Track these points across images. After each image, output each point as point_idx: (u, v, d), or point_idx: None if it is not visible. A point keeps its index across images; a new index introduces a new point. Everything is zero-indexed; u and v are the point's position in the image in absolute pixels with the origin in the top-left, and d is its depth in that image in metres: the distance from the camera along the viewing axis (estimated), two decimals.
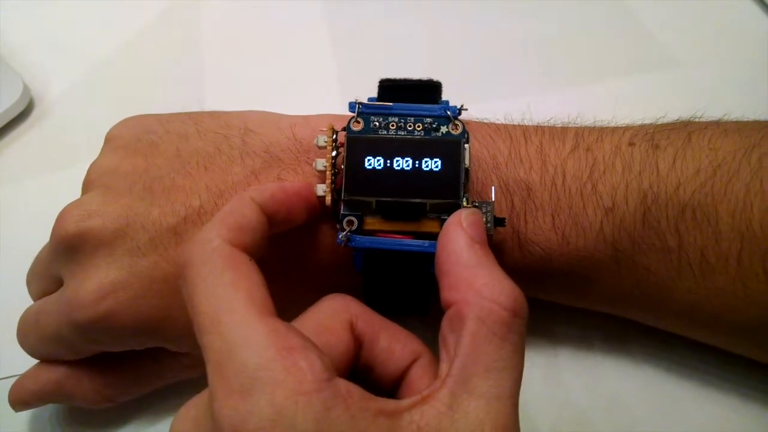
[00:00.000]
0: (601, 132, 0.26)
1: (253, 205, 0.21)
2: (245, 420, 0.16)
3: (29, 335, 0.27)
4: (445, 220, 0.22)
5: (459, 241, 0.20)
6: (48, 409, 0.29)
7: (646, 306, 0.26)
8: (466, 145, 0.23)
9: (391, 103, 0.24)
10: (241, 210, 0.21)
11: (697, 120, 0.26)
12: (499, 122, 0.28)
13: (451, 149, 0.23)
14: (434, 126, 0.24)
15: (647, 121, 0.27)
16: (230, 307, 0.18)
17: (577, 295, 0.27)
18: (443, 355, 0.19)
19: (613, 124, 0.27)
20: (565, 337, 0.29)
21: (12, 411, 0.27)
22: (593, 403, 0.27)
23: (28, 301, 0.28)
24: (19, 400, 0.27)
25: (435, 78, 0.25)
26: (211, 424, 0.17)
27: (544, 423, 0.27)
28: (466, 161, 0.23)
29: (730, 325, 0.24)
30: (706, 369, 0.27)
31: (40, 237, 0.28)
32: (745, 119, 0.26)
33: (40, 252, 0.28)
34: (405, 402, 0.18)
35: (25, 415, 0.29)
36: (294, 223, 0.24)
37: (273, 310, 0.19)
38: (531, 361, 0.28)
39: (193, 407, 0.18)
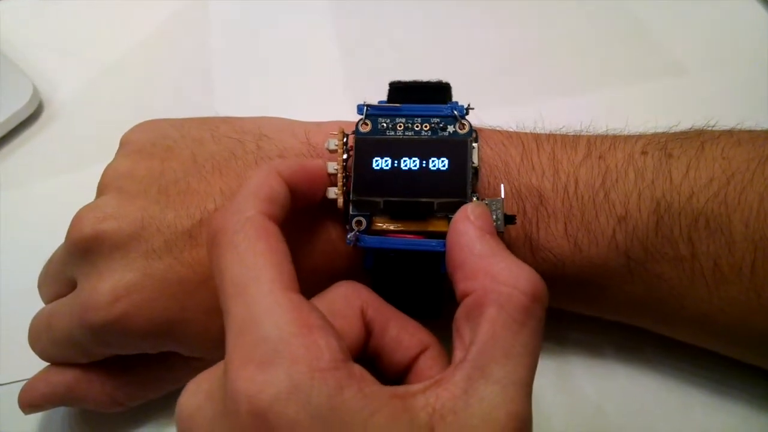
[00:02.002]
0: (613, 140, 0.26)
1: (279, 179, 0.22)
2: (262, 390, 0.16)
3: (41, 338, 0.27)
4: (452, 218, 0.22)
5: (469, 233, 0.20)
6: (58, 412, 0.29)
7: (658, 315, 0.26)
8: (474, 144, 0.24)
9: (398, 105, 0.24)
10: (270, 182, 0.21)
11: (710, 129, 0.26)
12: (512, 129, 0.28)
13: (458, 148, 0.23)
14: (441, 125, 0.24)
15: (660, 130, 0.27)
16: (258, 277, 0.18)
17: (589, 303, 0.27)
18: (457, 344, 0.19)
19: (625, 133, 0.27)
20: (576, 343, 0.29)
21: (22, 414, 0.27)
22: (604, 409, 0.27)
23: (37, 305, 0.28)
24: (29, 403, 0.27)
25: (444, 80, 0.25)
26: (225, 395, 0.17)
27: (556, 429, 0.27)
28: (474, 160, 0.23)
29: (743, 335, 0.24)
30: (718, 378, 0.27)
31: (50, 240, 0.28)
32: (759, 129, 0.26)
33: (53, 255, 0.28)
34: (417, 386, 0.18)
35: (35, 417, 0.29)
36: (312, 201, 0.24)
37: (298, 286, 0.19)
38: (542, 367, 0.28)
39: (206, 380, 0.19)
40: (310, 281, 0.25)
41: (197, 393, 0.18)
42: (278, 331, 0.17)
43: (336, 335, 0.18)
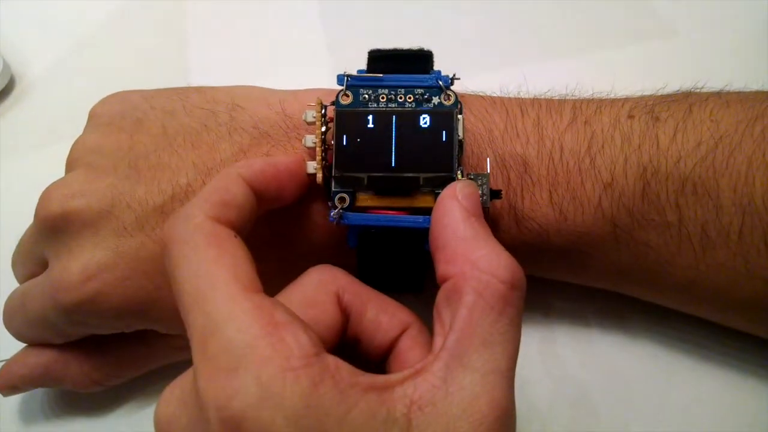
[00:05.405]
0: (599, 104, 0.25)
1: (239, 181, 0.21)
2: (231, 398, 0.16)
3: (15, 319, 0.26)
4: (439, 194, 0.21)
5: (454, 213, 0.20)
6: (38, 393, 0.29)
7: (645, 282, 0.25)
8: (459, 116, 0.23)
9: (381, 75, 0.23)
10: (227, 185, 0.20)
11: (698, 91, 0.25)
12: (495, 95, 0.27)
13: (443, 121, 0.23)
14: (426, 97, 0.23)
15: (647, 93, 0.26)
16: (213, 284, 0.17)
17: (575, 272, 0.27)
18: (437, 329, 0.19)
19: (611, 96, 0.26)
20: (561, 312, 0.29)
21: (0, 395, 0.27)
22: (590, 377, 0.27)
23: (12, 284, 0.28)
24: (6, 385, 0.26)
25: (426, 47, 0.24)
26: (197, 403, 0.16)
27: (540, 397, 0.27)
28: (460, 132, 0.23)
29: (730, 301, 0.24)
30: (703, 343, 0.27)
31: (23, 218, 0.27)
32: (748, 90, 0.25)
33: (24, 233, 0.28)
34: (396, 376, 0.17)
35: (15, 399, 0.29)
36: (284, 201, 0.23)
37: (259, 286, 0.18)
38: (527, 336, 0.28)
39: (178, 387, 0.18)
40: (300, 253, 0.25)
41: (171, 401, 0.18)
42: (242, 334, 0.16)
43: (305, 328, 0.17)
